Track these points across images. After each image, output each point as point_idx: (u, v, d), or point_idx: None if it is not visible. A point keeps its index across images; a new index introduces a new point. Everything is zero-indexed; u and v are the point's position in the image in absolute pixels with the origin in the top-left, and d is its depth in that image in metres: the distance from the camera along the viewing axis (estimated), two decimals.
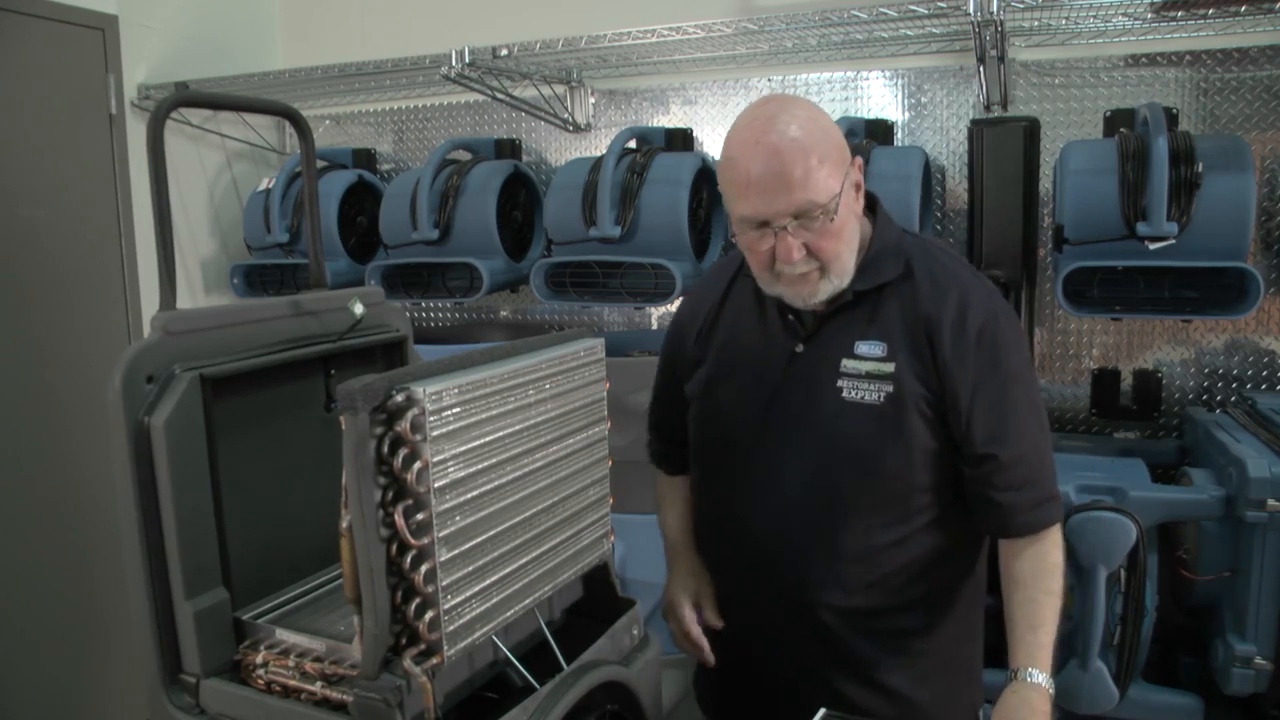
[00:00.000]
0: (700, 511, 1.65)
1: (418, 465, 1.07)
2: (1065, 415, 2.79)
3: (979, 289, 1.50)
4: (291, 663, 1.26)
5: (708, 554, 1.62)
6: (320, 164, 3.34)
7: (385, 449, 1.08)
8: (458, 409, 1.10)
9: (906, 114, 2.83)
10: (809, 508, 1.47)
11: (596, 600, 1.42)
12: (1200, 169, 2.24)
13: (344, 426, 1.06)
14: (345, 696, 1.17)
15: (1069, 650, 2.13)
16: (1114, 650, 2.13)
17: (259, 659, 1.29)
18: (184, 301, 3.30)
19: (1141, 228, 2.25)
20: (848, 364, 1.46)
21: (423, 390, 1.06)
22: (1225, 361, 2.65)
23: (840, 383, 1.46)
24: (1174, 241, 2.25)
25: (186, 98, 1.39)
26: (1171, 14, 2.35)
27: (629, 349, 2.62)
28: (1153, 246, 2.27)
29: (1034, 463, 1.48)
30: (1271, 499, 1.99)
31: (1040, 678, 1.38)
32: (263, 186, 3.27)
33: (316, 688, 1.21)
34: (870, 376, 1.45)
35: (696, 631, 1.56)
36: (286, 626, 1.34)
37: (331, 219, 3.10)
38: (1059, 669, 2.13)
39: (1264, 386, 2.62)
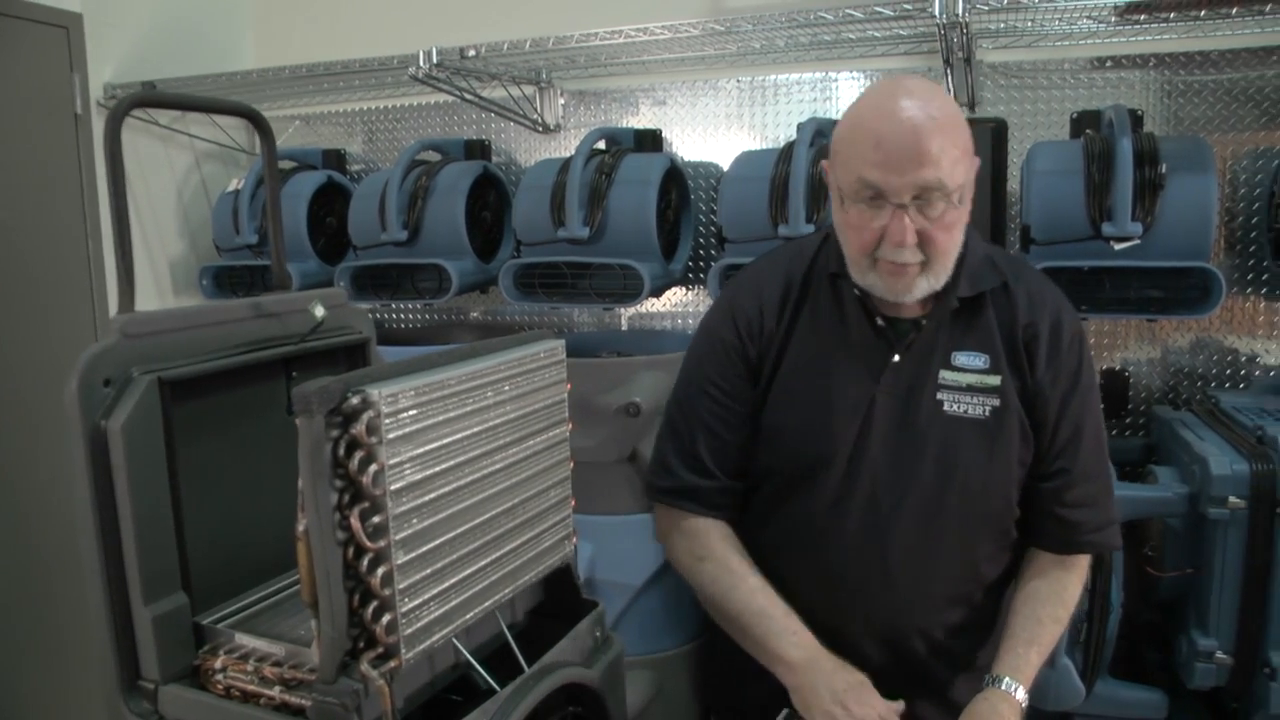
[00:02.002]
0: (772, 533, 1.52)
1: (374, 468, 1.06)
2: None
3: (1067, 303, 1.50)
4: (250, 667, 1.25)
5: (783, 585, 1.48)
6: (289, 165, 3.33)
7: (341, 452, 1.07)
8: (414, 411, 1.10)
9: None
10: (911, 529, 1.42)
11: (560, 602, 1.41)
12: (1164, 170, 2.26)
13: (299, 429, 1.05)
14: (304, 701, 1.16)
15: None
16: (1080, 647, 2.14)
17: (218, 664, 1.27)
18: (152, 303, 3.31)
19: (1107, 228, 2.27)
20: (946, 375, 1.42)
21: (378, 392, 1.06)
22: (1191, 360, 2.68)
23: (940, 395, 1.42)
24: (1139, 242, 2.27)
25: (144, 98, 1.38)
26: (1134, 17, 2.38)
27: (598, 350, 2.62)
28: (1118, 247, 2.29)
29: (1100, 480, 1.48)
30: (1233, 496, 2.01)
31: (1018, 691, 1.38)
32: (232, 187, 3.25)
33: (275, 692, 1.20)
34: (973, 390, 1.41)
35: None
36: (247, 631, 1.32)
37: (300, 220, 3.08)
38: None
39: (1228, 385, 2.65)
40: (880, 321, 1.44)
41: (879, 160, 1.28)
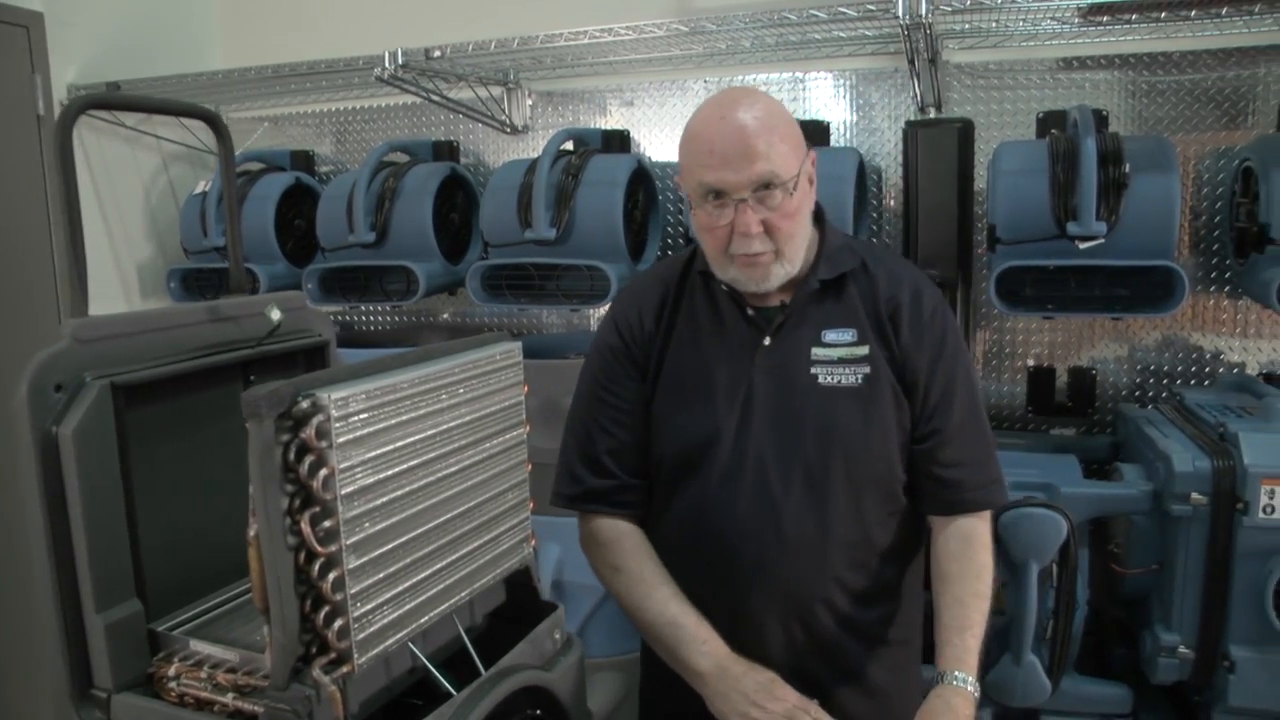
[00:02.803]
0: (669, 520, 1.56)
1: (324, 472, 1.05)
2: (1003, 413, 2.83)
3: (926, 279, 1.60)
4: (204, 674, 1.24)
5: (684, 568, 1.52)
6: (257, 166, 3.31)
7: (292, 456, 1.06)
8: (366, 415, 1.09)
9: (855, 115, 2.85)
10: (801, 498, 1.48)
11: (520, 604, 1.41)
12: (1128, 169, 2.28)
13: (249, 433, 1.04)
14: (257, 707, 1.15)
15: (1002, 645, 2.16)
16: (1047, 644, 2.15)
17: (172, 671, 1.26)
18: (119, 306, 3.28)
19: (1072, 227, 2.28)
20: (818, 352, 1.50)
21: (328, 396, 1.05)
22: (1158, 358, 2.70)
23: (814, 370, 1.49)
24: (1103, 241, 2.29)
25: (95, 99, 1.36)
26: (1098, 19, 2.39)
27: (567, 351, 2.61)
28: (1083, 246, 2.31)
29: (976, 439, 1.54)
30: (1195, 492, 2.02)
31: (966, 681, 1.40)
32: (199, 189, 3.22)
33: (228, 699, 1.19)
34: (844, 361, 1.50)
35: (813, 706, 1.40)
36: (202, 637, 1.31)
37: (268, 222, 3.07)
38: (993, 664, 2.16)
39: (1194, 382, 2.68)
40: (750, 312, 1.53)
41: (714, 163, 1.40)
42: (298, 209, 3.20)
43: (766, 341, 1.51)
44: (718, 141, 1.39)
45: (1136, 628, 2.30)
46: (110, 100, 1.44)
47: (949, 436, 1.50)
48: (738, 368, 1.51)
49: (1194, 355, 2.68)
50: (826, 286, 1.52)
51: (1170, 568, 2.11)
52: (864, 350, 1.50)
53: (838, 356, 1.50)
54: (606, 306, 2.79)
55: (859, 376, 1.49)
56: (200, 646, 1.30)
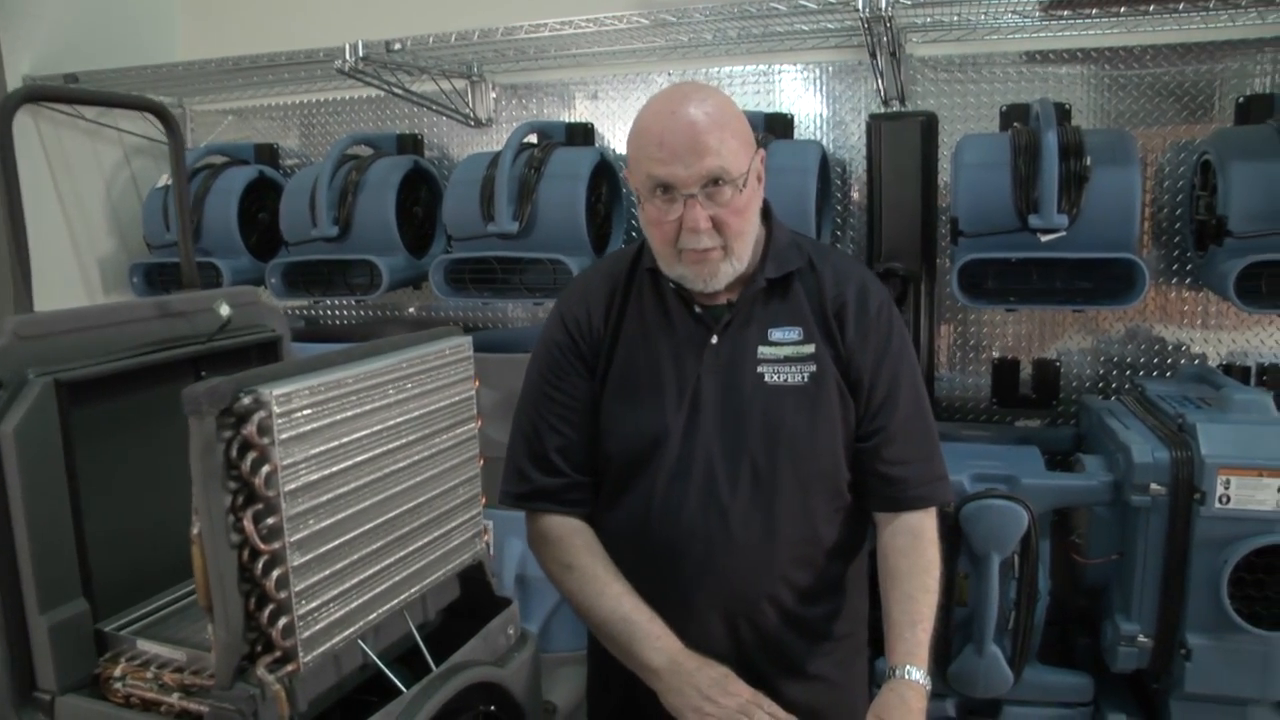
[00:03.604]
0: (617, 518, 1.55)
1: (266, 469, 1.04)
2: (968, 405, 2.84)
3: (872, 276, 1.61)
4: (151, 674, 1.22)
5: (631, 566, 1.51)
6: (220, 159, 3.28)
7: (234, 453, 1.05)
8: (309, 410, 1.07)
9: (822, 108, 2.85)
10: (748, 497, 1.48)
11: (475, 600, 1.40)
12: (1089, 162, 2.29)
13: (190, 430, 1.03)
14: (202, 707, 1.13)
15: (965, 636, 2.17)
16: (1009, 635, 2.17)
17: (118, 671, 1.24)
18: (81, 302, 3.23)
19: (1033, 220, 2.30)
20: (764, 350, 1.50)
21: (270, 392, 1.04)
22: (1121, 350, 2.72)
23: (760, 368, 1.49)
24: (1064, 234, 2.30)
25: (35, 91, 1.34)
26: (1058, 13, 2.40)
27: (530, 345, 2.59)
28: (1044, 238, 2.32)
29: (919, 436, 1.55)
30: (1154, 483, 2.04)
31: (917, 675, 1.40)
32: (162, 183, 3.19)
33: (174, 699, 1.18)
34: (790, 360, 1.50)
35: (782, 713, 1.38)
36: (150, 637, 1.29)
37: (231, 216, 3.04)
38: (955, 655, 2.18)
39: (1156, 373, 2.70)
40: (698, 310, 1.52)
41: (663, 157, 1.38)
42: (261, 203, 3.17)
43: (714, 340, 1.51)
44: (667, 136, 1.38)
45: (1098, 617, 2.32)
46: (52, 92, 1.42)
47: (893, 434, 1.51)
48: (685, 366, 1.51)
49: (1156, 347, 2.70)
50: (773, 285, 1.52)
51: (1130, 558, 2.13)
52: (810, 349, 1.50)
53: (784, 355, 1.50)
54: None
55: (805, 375, 1.49)
56: (148, 646, 1.28)
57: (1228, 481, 1.96)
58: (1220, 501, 1.97)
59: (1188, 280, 2.64)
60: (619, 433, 1.53)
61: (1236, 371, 2.58)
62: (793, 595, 1.52)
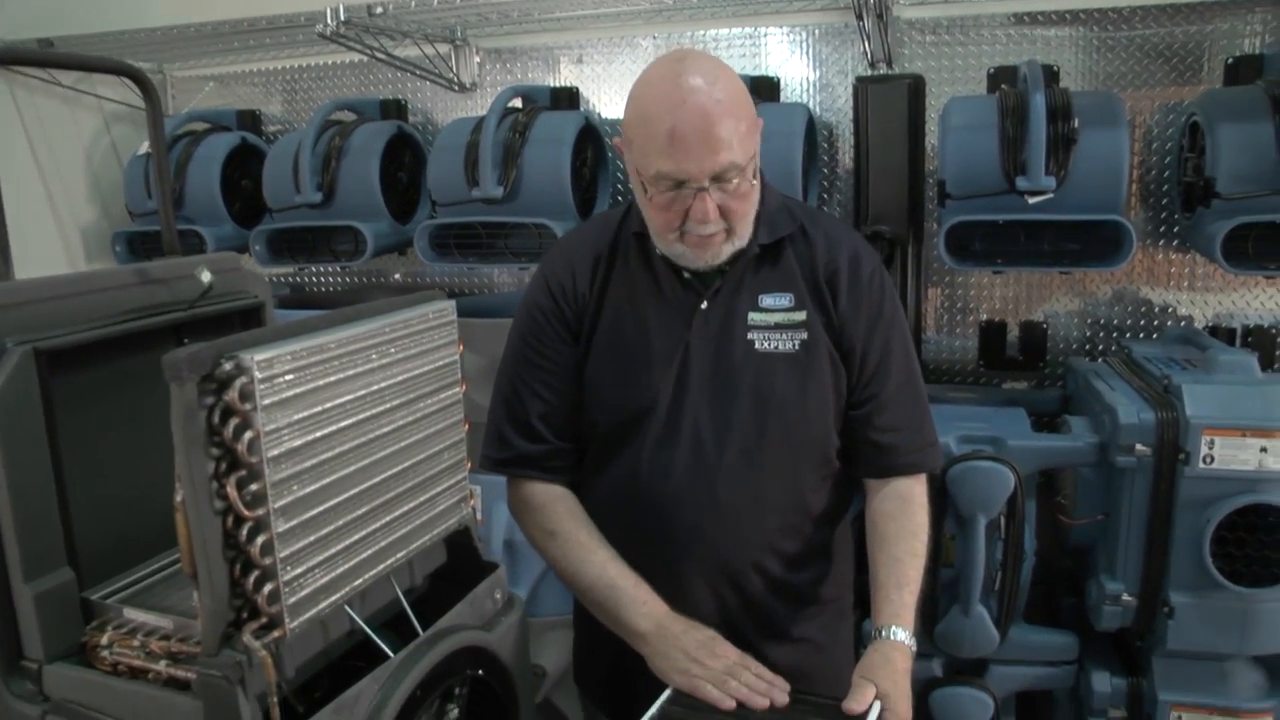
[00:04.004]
0: (603, 485, 1.55)
1: (249, 435, 1.03)
2: (955, 368, 2.85)
3: (864, 242, 1.59)
4: (138, 642, 1.22)
5: (617, 533, 1.51)
6: (202, 126, 3.24)
7: (216, 419, 1.04)
8: (292, 376, 1.07)
9: (810, 71, 2.83)
10: (736, 465, 1.47)
11: (461, 565, 1.40)
12: (1076, 124, 2.28)
13: (172, 397, 1.02)
14: (190, 674, 1.13)
15: (951, 597, 2.18)
16: (995, 595, 2.18)
17: (105, 640, 1.24)
18: (63, 270, 3.20)
19: (1021, 182, 2.29)
20: (754, 317, 1.48)
21: (252, 358, 1.03)
22: (1108, 312, 2.73)
23: (751, 335, 1.48)
24: (1052, 195, 2.29)
25: (6, 55, 1.32)
26: None
27: (515, 311, 2.58)
28: (1031, 200, 2.31)
29: (911, 403, 1.54)
30: (1140, 444, 2.05)
31: (903, 636, 1.42)
32: (142, 150, 3.14)
33: (161, 667, 1.18)
34: (780, 327, 1.48)
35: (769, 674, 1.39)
36: (136, 605, 1.29)
37: (214, 183, 3.00)
38: (942, 616, 2.19)
39: (1143, 335, 2.71)
40: (687, 275, 1.49)
41: (674, 153, 1.33)
42: (244, 170, 3.14)
43: (704, 306, 1.49)
44: (679, 129, 1.32)
45: (1083, 577, 2.34)
46: (25, 56, 1.39)
47: (885, 402, 1.51)
48: (674, 332, 1.49)
49: (1143, 309, 2.71)
50: (765, 251, 1.50)
51: (1115, 518, 2.14)
52: (801, 316, 1.48)
53: (774, 322, 1.48)
54: None
55: (796, 343, 1.48)
56: (134, 614, 1.28)
57: (1212, 442, 1.97)
58: (1204, 462, 1.98)
59: (1175, 242, 2.63)
60: (606, 401, 1.52)
61: (1222, 333, 2.59)
62: (779, 562, 1.52)
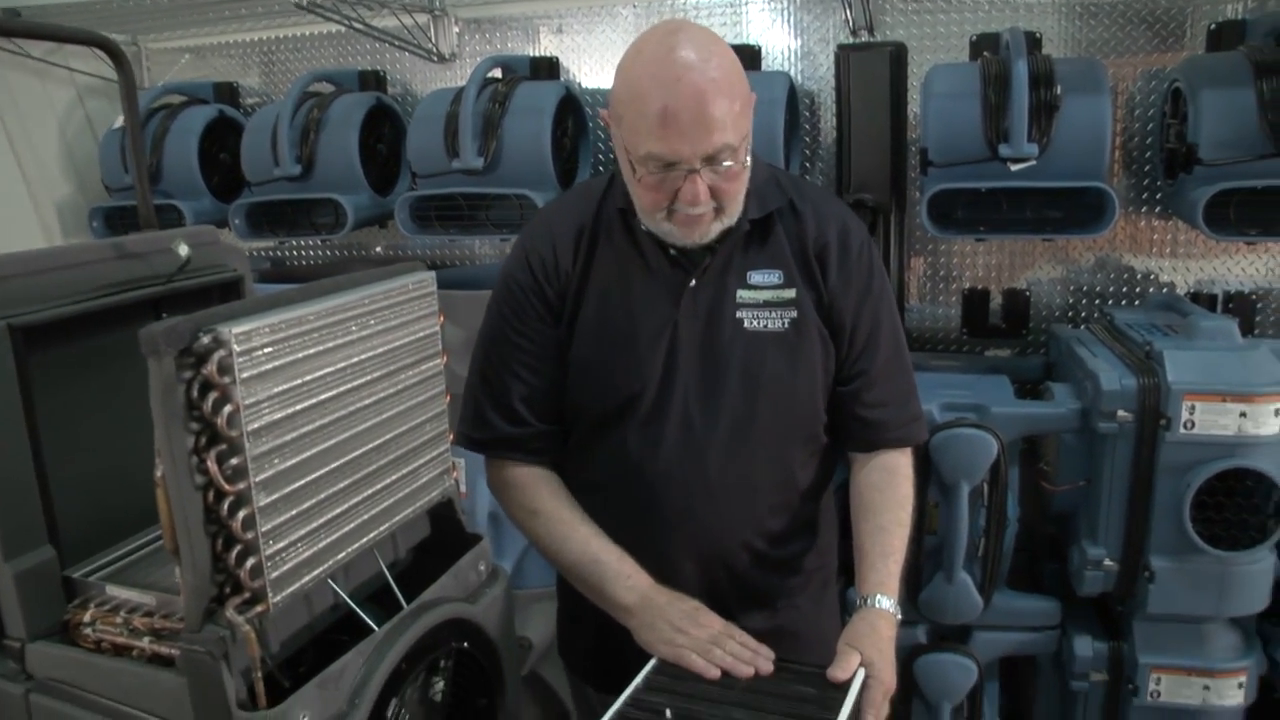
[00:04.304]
0: (591, 468, 1.52)
1: (228, 409, 1.02)
2: (938, 336, 2.85)
3: (852, 214, 1.56)
4: (120, 619, 1.22)
5: (605, 514, 1.49)
6: (179, 99, 3.20)
7: (195, 393, 1.03)
8: (270, 349, 1.06)
9: (795, 40, 2.81)
10: (726, 445, 1.46)
11: (445, 537, 1.40)
12: (1059, 91, 2.28)
13: (150, 372, 1.01)
14: (174, 651, 1.13)
15: (935, 564, 2.20)
16: (978, 562, 2.20)
17: (87, 617, 1.24)
18: (39, 246, 3.15)
19: (1003, 149, 2.28)
20: (743, 294, 1.46)
21: (229, 331, 1.02)
22: (1091, 279, 2.74)
23: (740, 313, 1.45)
24: (1035, 163, 2.29)
25: None
26: None
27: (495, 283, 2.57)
28: (1014, 168, 2.31)
29: (898, 377, 1.54)
30: (1121, 410, 2.06)
31: (888, 604, 1.42)
32: (118, 124, 3.11)
33: (145, 643, 1.18)
34: (770, 305, 1.46)
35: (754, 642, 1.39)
36: (119, 582, 1.29)
37: (191, 157, 2.98)
38: (926, 583, 2.21)
39: (1125, 302, 2.72)
40: (673, 252, 1.45)
41: (667, 134, 1.28)
42: (222, 143, 3.10)
43: (692, 284, 1.46)
44: (671, 110, 1.26)
45: (1065, 543, 2.36)
46: None
47: (874, 378, 1.50)
48: (662, 311, 1.46)
49: (1126, 276, 2.72)
50: (754, 227, 1.47)
51: (1097, 484, 2.15)
52: (791, 294, 1.46)
53: (764, 299, 1.46)
54: None
55: (786, 321, 1.46)
56: (117, 591, 1.28)
57: (1193, 407, 1.98)
58: (1185, 427, 2.00)
59: (1157, 209, 2.64)
60: (594, 384, 1.48)
61: (1204, 299, 2.60)
62: (768, 538, 1.52)
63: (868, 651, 1.35)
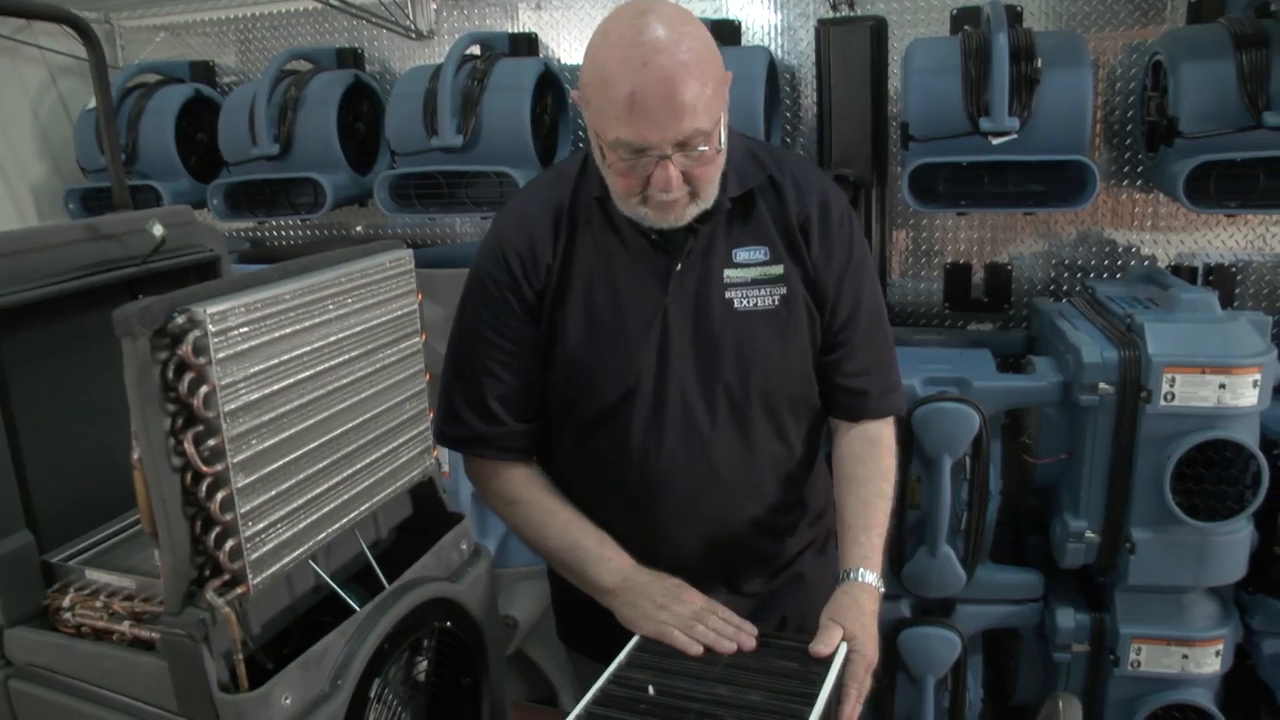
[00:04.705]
0: (588, 465, 1.50)
1: (204, 389, 1.01)
2: (920, 310, 2.86)
3: (831, 183, 1.54)
4: (100, 603, 1.21)
5: (604, 505, 1.49)
6: (154, 78, 3.16)
7: (171, 374, 1.02)
8: (246, 328, 1.04)
9: (775, 14, 2.79)
10: (727, 428, 1.45)
11: (426, 517, 1.39)
12: (1039, 65, 2.27)
13: (124, 353, 1.00)
14: (154, 634, 1.12)
15: (918, 538, 2.21)
16: (961, 535, 2.21)
17: (67, 602, 1.23)
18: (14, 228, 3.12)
19: (984, 123, 2.28)
20: (730, 274, 1.43)
21: (204, 311, 1.00)
22: (1073, 253, 2.74)
23: (729, 294, 1.43)
24: (1016, 136, 2.29)
25: None
26: None
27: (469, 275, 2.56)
28: (995, 141, 2.31)
29: (880, 348, 1.54)
30: (1103, 383, 2.07)
31: (871, 578, 1.42)
32: (92, 104, 3.06)
33: (125, 627, 1.17)
34: (758, 282, 1.44)
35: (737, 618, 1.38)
36: (98, 566, 1.28)
37: (168, 137, 2.95)
38: (909, 557, 2.22)
39: (1107, 275, 2.72)
40: (655, 237, 1.42)
41: (635, 120, 1.24)
42: (199, 123, 3.08)
43: (678, 268, 1.42)
44: (639, 95, 1.22)
45: (1047, 516, 2.37)
46: None
47: (856, 347, 1.49)
48: (650, 300, 1.43)
49: (1108, 249, 2.72)
50: (735, 204, 1.44)
51: (1078, 456, 2.17)
52: (779, 269, 1.44)
53: (751, 277, 1.43)
54: None
55: (775, 299, 1.44)
56: (96, 575, 1.27)
57: (1173, 379, 2.00)
58: (1165, 399, 2.01)
59: (1139, 182, 2.65)
60: (585, 380, 1.44)
61: (1184, 272, 2.61)
62: (771, 509, 1.52)
63: (850, 625, 1.35)
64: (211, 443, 1.03)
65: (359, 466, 1.21)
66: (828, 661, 1.29)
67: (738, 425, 1.45)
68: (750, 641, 1.34)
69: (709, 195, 1.37)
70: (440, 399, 1.51)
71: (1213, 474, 2.04)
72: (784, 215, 1.46)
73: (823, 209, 1.47)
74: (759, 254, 1.45)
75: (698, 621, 1.35)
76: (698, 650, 1.33)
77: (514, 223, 1.48)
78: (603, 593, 1.44)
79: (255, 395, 1.06)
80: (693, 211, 1.37)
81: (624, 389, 1.43)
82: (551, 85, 2.73)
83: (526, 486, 1.49)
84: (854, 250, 1.49)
